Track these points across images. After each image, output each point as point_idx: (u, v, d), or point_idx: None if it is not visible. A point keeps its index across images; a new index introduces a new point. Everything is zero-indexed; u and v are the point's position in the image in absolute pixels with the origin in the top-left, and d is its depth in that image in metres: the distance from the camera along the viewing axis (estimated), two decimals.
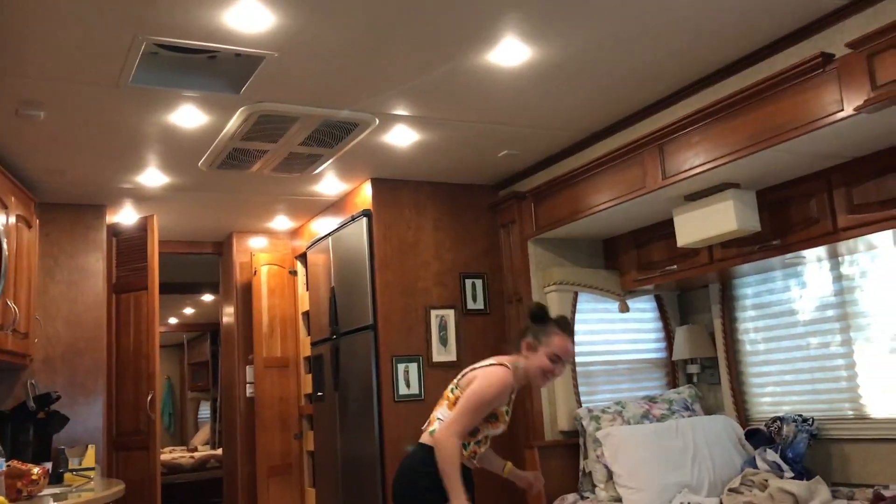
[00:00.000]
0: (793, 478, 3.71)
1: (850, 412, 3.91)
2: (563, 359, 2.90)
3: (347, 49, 3.14)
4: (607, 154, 4.07)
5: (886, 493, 3.29)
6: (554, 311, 4.67)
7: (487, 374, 2.84)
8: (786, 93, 3.11)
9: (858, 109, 2.83)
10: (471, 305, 4.94)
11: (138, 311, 5.20)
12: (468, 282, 4.97)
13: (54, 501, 3.27)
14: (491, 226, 5.10)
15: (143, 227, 5.30)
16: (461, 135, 4.21)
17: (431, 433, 2.86)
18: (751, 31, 3.18)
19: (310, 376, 5.71)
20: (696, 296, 4.85)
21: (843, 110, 2.90)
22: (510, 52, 3.22)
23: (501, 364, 2.88)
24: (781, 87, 3.13)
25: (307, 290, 5.82)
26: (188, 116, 3.74)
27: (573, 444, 4.46)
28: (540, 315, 2.95)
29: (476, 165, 4.76)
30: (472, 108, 3.84)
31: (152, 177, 4.65)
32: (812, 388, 4.11)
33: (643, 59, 3.39)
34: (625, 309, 4.81)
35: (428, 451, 2.82)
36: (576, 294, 4.75)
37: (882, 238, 3.51)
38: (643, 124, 3.98)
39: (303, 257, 5.94)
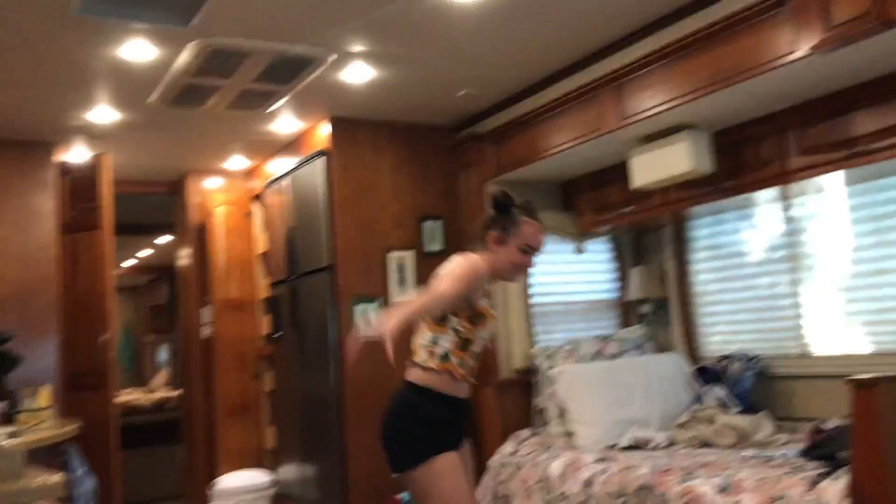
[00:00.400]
0: (739, 413, 3.84)
1: (795, 350, 4.03)
2: (535, 248, 2.61)
3: None
4: (566, 95, 4.06)
5: (825, 427, 3.41)
6: None
7: (454, 258, 2.53)
8: (742, 33, 3.12)
9: (813, 50, 2.85)
10: (429, 247, 4.94)
11: (92, 252, 5.11)
12: (427, 224, 4.96)
13: (8, 438, 3.25)
14: (450, 167, 5.08)
15: (94, 166, 5.18)
16: (419, 72, 4.16)
17: (423, 364, 2.52)
18: None
19: (268, 317, 5.70)
20: (650, 238, 4.92)
21: (797, 51, 2.92)
22: None
23: (466, 255, 2.56)
24: (738, 28, 3.13)
25: (264, 230, 5.77)
26: (138, 50, 3.63)
27: (528, 381, 4.54)
28: (504, 203, 2.61)
29: (435, 105, 4.72)
30: (431, 45, 3.79)
31: (103, 114, 4.53)
32: (760, 327, 4.22)
33: None
34: (580, 250, 4.87)
35: (416, 391, 2.53)
36: None
37: (831, 180, 3.57)
38: (602, 64, 3.96)
39: (260, 198, 5.87)
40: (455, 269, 2.47)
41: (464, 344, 2.53)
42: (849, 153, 3.19)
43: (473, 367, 2.58)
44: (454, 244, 4.99)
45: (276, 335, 5.45)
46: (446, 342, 2.52)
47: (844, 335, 3.81)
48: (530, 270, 2.68)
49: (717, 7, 3.32)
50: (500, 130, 4.61)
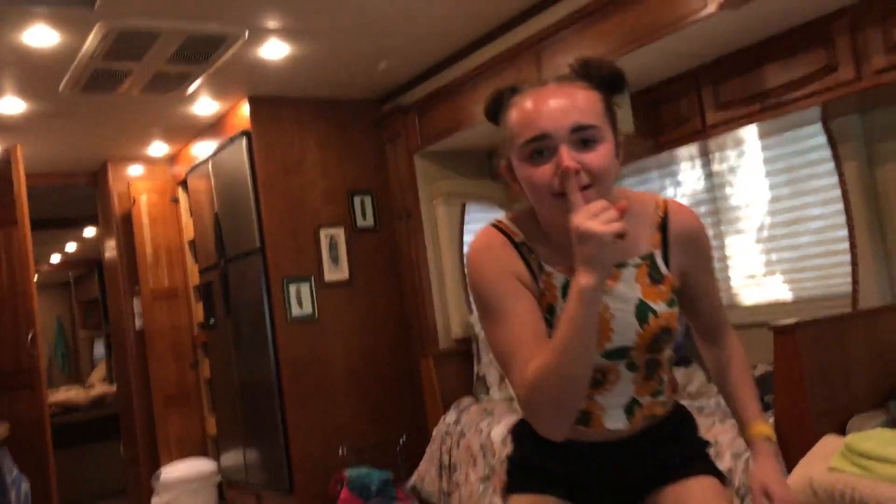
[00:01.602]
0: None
1: (724, 301, 4.12)
2: (543, 137, 1.31)
3: None
4: (486, 62, 4.05)
5: (754, 374, 3.53)
6: (443, 225, 4.77)
7: (466, 256, 1.49)
8: None
9: (722, 6, 2.89)
10: (360, 223, 4.91)
11: (9, 248, 4.93)
12: (357, 199, 4.92)
13: None
14: (377, 141, 5.04)
15: (6, 159, 4.98)
16: (337, 47, 4.09)
17: None
18: None
19: (201, 304, 5.60)
20: None
21: (707, 7, 2.95)
22: None
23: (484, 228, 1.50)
24: None
25: (192, 216, 5.64)
26: (41, 35, 3.48)
27: (467, 350, 4.57)
28: (493, 106, 1.44)
29: (357, 79, 4.66)
30: (345, 18, 3.72)
31: (10, 104, 4.34)
32: None
33: None
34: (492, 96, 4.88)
35: None
36: (464, 205, 4.79)
37: (748, 133, 3.65)
38: (520, 29, 3.96)
39: (184, 184, 5.74)
40: (471, 278, 1.44)
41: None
42: (762, 106, 3.26)
43: (590, 397, 1.47)
44: (386, 219, 4.97)
45: (210, 322, 5.36)
46: None
47: (768, 284, 3.92)
48: (573, 194, 1.28)
49: None
50: (424, 101, 4.58)
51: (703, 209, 4.19)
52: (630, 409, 1.46)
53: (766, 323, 2.97)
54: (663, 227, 1.47)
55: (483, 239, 1.45)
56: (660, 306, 1.41)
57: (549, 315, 1.40)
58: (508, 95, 1.40)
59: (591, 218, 1.22)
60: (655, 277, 1.43)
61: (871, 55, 2.88)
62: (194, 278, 5.77)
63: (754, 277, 3.98)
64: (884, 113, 3.33)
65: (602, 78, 1.38)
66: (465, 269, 1.49)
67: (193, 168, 5.39)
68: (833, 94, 3.03)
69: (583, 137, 1.31)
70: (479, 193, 4.81)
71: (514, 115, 1.36)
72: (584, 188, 1.29)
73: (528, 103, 1.34)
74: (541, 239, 1.43)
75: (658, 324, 1.41)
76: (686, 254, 1.47)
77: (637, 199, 1.48)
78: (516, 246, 1.43)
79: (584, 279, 1.24)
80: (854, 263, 3.42)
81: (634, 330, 1.40)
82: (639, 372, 1.45)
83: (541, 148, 1.31)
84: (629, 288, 1.42)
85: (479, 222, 4.83)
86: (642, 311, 1.41)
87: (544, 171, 1.31)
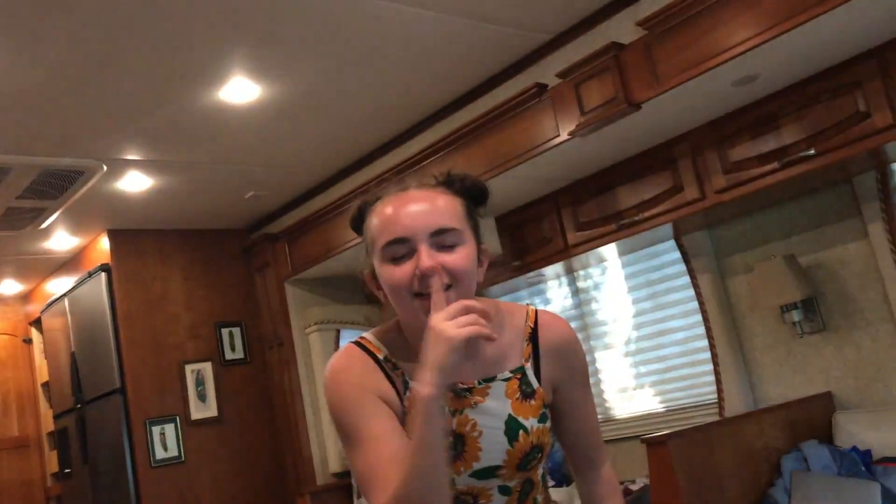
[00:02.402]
0: (553, 486, 3.89)
1: (599, 416, 4.17)
2: (403, 239, 1.25)
3: (61, 90, 2.91)
4: (353, 190, 4.09)
5: (633, 487, 3.54)
6: (317, 353, 4.65)
7: (325, 377, 1.37)
8: (509, 122, 3.30)
9: (572, 134, 3.06)
10: (229, 356, 4.72)
11: None
12: (225, 331, 4.75)
13: None
14: (245, 271, 4.93)
15: None
16: (200, 178, 4.04)
17: None
18: (474, 66, 3.34)
19: (55, 453, 5.16)
20: None
21: (559, 135, 3.12)
22: (240, 90, 3.14)
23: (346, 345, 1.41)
24: (505, 117, 3.31)
25: (45, 358, 5.27)
26: None
27: (347, 484, 4.38)
28: (357, 216, 1.38)
29: (223, 209, 4.59)
30: (207, 149, 3.70)
31: None
32: None
33: (376, 96, 3.45)
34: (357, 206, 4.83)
35: None
36: (338, 332, 4.71)
37: (609, 251, 3.81)
38: (386, 158, 4.04)
39: (38, 323, 5.39)
40: (329, 401, 1.34)
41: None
42: (617, 225, 3.42)
43: None
44: (257, 350, 4.81)
45: (65, 472, 4.93)
46: None
47: (639, 396, 4.01)
48: (435, 293, 1.23)
49: (485, 99, 3.50)
50: (293, 229, 4.55)
51: (572, 325, 4.28)
52: None
53: (640, 436, 3.01)
54: (534, 338, 1.41)
55: (342, 358, 1.35)
56: (530, 422, 1.34)
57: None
58: (371, 203, 1.36)
59: (447, 319, 1.18)
60: (526, 392, 1.36)
61: (712, 176, 3.10)
62: (48, 424, 5.34)
63: (625, 391, 4.07)
64: (728, 228, 3.57)
65: (465, 188, 1.36)
66: (324, 392, 1.36)
67: (48, 305, 5.09)
68: (681, 213, 3.22)
69: (443, 241, 1.27)
70: (354, 319, 4.75)
71: (374, 220, 1.32)
72: (445, 289, 1.24)
73: (389, 208, 1.30)
74: (406, 354, 1.34)
75: (529, 441, 1.33)
76: (558, 366, 1.41)
77: (507, 309, 1.43)
78: (379, 363, 1.34)
79: (424, 389, 1.16)
80: (717, 372, 3.56)
81: (504, 448, 1.32)
82: (512, 495, 1.36)
83: (401, 251, 1.27)
84: (498, 403, 1.34)
85: None
86: (512, 427, 1.33)
87: (404, 271, 1.26)
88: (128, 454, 4.31)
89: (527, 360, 1.39)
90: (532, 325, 1.42)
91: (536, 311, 1.44)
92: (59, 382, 4.99)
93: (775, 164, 2.90)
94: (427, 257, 1.25)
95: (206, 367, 4.60)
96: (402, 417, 1.30)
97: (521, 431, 1.33)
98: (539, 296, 4.45)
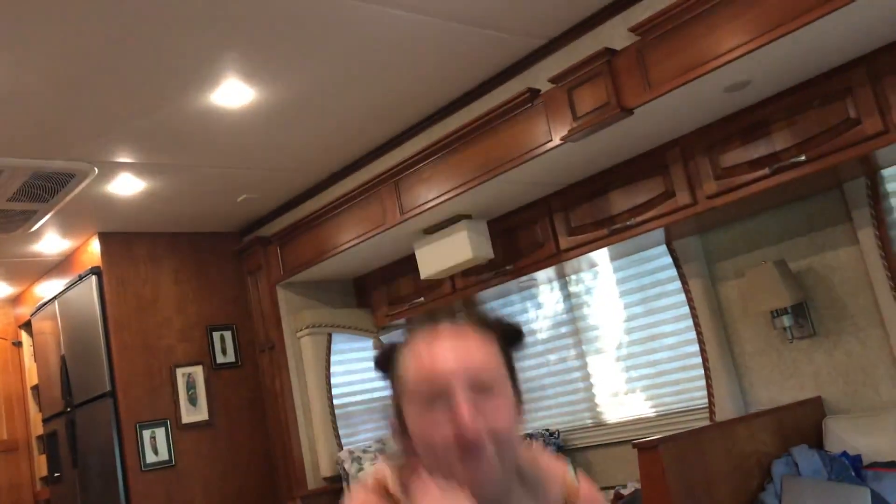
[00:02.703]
0: None
1: (590, 420, 4.19)
2: (435, 388, 1.11)
3: (53, 92, 2.90)
4: (347, 193, 4.09)
5: (624, 492, 3.54)
6: (308, 356, 4.64)
7: None
8: (502, 126, 3.31)
9: (564, 139, 3.07)
10: (220, 359, 4.70)
11: None
12: (216, 334, 4.73)
13: None
14: (237, 274, 4.92)
15: None
16: (192, 181, 4.03)
17: None
18: (467, 70, 3.34)
19: (45, 457, 5.13)
20: None
21: (551, 140, 3.12)
22: (233, 93, 3.13)
23: (366, 483, 1.22)
24: (498, 122, 3.31)
25: (35, 361, 5.25)
26: None
27: (338, 489, 4.37)
28: (383, 358, 1.24)
29: (215, 212, 4.58)
30: (200, 152, 3.69)
31: None
32: (555, 402, 4.36)
33: (369, 100, 3.46)
34: (379, 346, 4.83)
35: None
36: (329, 335, 4.71)
37: (600, 255, 3.82)
38: (378, 162, 4.04)
39: (28, 326, 5.36)
40: None
41: None
42: (609, 230, 3.43)
43: None
44: (248, 353, 4.79)
45: (54, 476, 4.91)
46: None
47: (631, 401, 4.01)
48: (472, 437, 1.09)
49: (478, 103, 3.51)
50: (285, 232, 4.54)
51: (563, 330, 4.29)
52: None
53: (631, 440, 3.01)
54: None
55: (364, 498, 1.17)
56: None
57: None
58: (399, 347, 1.20)
59: None
60: None
61: (703, 181, 3.12)
62: (37, 428, 5.31)
63: (617, 395, 4.07)
64: (720, 234, 3.59)
65: (500, 330, 1.22)
66: None
67: (38, 308, 5.07)
68: (673, 218, 3.23)
69: (481, 387, 1.12)
70: (346, 322, 4.75)
71: (409, 363, 1.16)
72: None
73: (420, 345, 1.16)
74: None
75: None
76: None
77: (546, 466, 1.27)
78: None
79: None
80: (708, 377, 3.57)
81: None
82: None
83: (434, 399, 1.11)
84: None
85: (345, 352, 4.75)
86: None
87: (435, 423, 1.10)
88: (118, 458, 4.29)
89: None
90: (568, 500, 1.24)
91: (578, 483, 1.27)
92: (49, 386, 4.96)
93: (766, 170, 2.92)
94: (467, 409, 1.08)
95: (198, 371, 4.58)
96: None
97: None
98: (531, 300, 4.45)
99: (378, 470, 1.21)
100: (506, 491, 1.13)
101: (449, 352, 1.14)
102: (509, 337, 1.22)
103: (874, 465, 2.89)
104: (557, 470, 1.27)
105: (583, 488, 1.26)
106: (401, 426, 1.18)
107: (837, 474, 2.87)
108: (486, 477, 1.08)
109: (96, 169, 3.62)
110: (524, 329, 1.24)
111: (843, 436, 3.05)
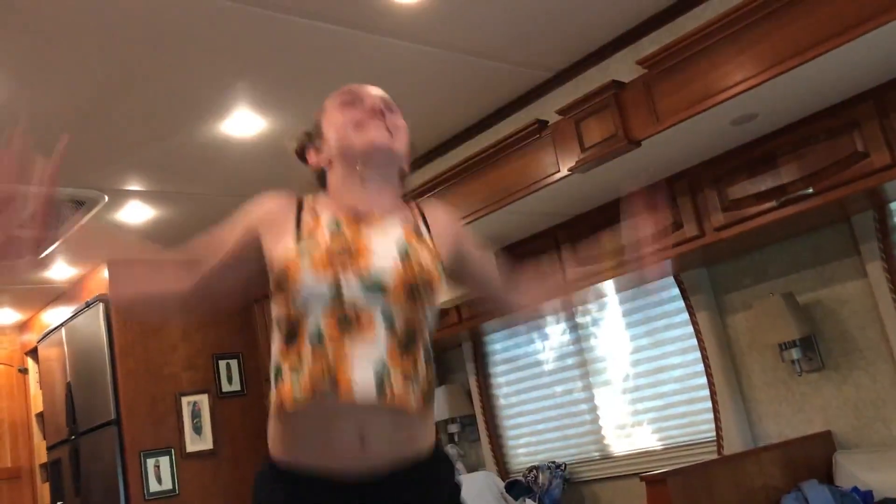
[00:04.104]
0: None
1: (597, 453, 4.15)
2: (354, 97, 1.54)
3: (66, 120, 2.93)
4: None
5: None
6: None
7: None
8: (510, 157, 3.32)
9: (572, 170, 3.08)
10: (226, 388, 4.69)
11: None
12: (222, 363, 4.73)
13: None
14: (244, 301, 4.92)
15: None
16: (201, 209, 4.05)
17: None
18: (476, 102, 3.38)
19: (48, 485, 5.10)
20: (451, 356, 4.97)
21: (559, 171, 3.14)
22: (244, 122, 3.17)
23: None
24: (506, 153, 3.33)
25: (40, 388, 5.24)
26: None
27: None
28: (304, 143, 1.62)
29: None
30: (209, 181, 3.72)
31: None
32: (562, 434, 4.32)
33: None
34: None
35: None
36: None
37: (607, 287, 3.81)
38: None
39: (34, 353, 5.36)
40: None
41: (288, 334, 1.37)
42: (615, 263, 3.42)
43: (334, 368, 1.29)
44: (254, 382, 4.78)
45: None
46: (273, 346, 1.42)
47: (638, 433, 3.98)
48: (373, 110, 1.50)
49: (487, 134, 3.54)
50: None
51: (570, 361, 4.27)
52: (380, 376, 1.29)
53: (638, 473, 2.98)
54: (422, 215, 1.56)
55: (271, 194, 1.54)
56: (423, 254, 1.41)
57: (308, 241, 1.39)
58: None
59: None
60: (419, 233, 1.48)
61: (711, 213, 3.12)
62: (41, 456, 5.29)
63: (623, 428, 4.04)
64: (728, 266, 3.58)
65: None
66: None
67: (45, 335, 5.07)
68: (681, 250, 3.23)
69: (390, 107, 1.55)
70: None
71: (331, 102, 1.58)
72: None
73: (345, 91, 1.58)
74: (329, 187, 1.56)
75: (418, 263, 1.39)
76: (448, 232, 1.56)
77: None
78: (298, 198, 1.51)
79: None
80: (715, 410, 3.54)
81: (393, 259, 1.38)
82: (394, 333, 1.33)
83: (350, 103, 1.53)
84: (394, 230, 1.45)
85: None
86: (403, 247, 1.41)
87: (348, 113, 1.53)
88: (121, 486, 4.27)
89: (418, 219, 1.53)
90: (420, 212, 1.57)
91: (419, 203, 1.61)
92: (54, 413, 4.95)
93: (774, 203, 2.91)
94: (375, 96, 1.53)
95: (203, 399, 4.57)
96: (303, 231, 1.42)
97: (410, 252, 1.41)
98: (537, 331, 4.43)
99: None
100: (387, 179, 1.53)
101: (370, 86, 1.57)
102: None
103: (886, 501, 2.85)
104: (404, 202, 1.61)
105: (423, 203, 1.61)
106: (316, 143, 1.58)
107: None
108: (378, 138, 1.49)
109: (106, 197, 3.65)
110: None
111: (854, 471, 3.02)
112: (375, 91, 1.56)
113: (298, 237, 1.40)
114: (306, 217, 1.45)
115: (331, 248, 1.36)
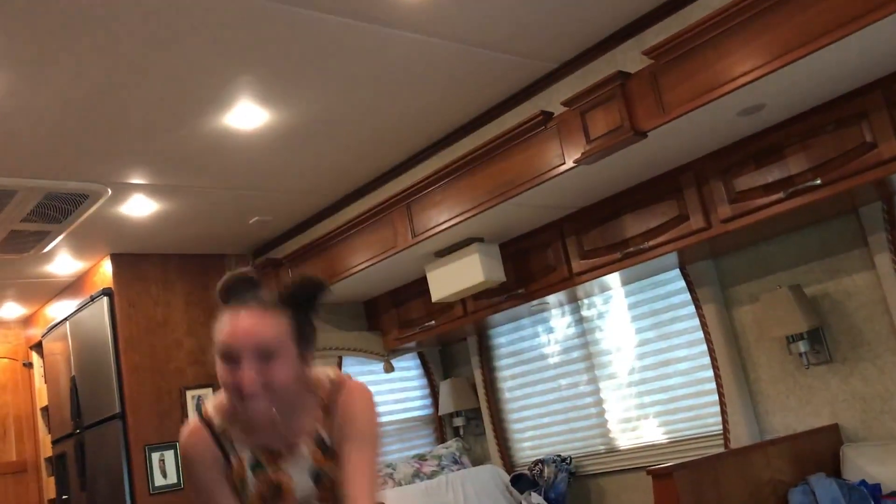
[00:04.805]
0: None
1: (602, 447, 4.14)
2: (233, 350, 1.52)
3: (68, 113, 2.91)
4: (359, 216, 4.09)
5: None
6: None
7: (180, 447, 1.84)
8: (514, 149, 3.30)
9: (577, 162, 3.06)
10: None
11: None
12: None
13: None
14: None
15: None
16: (205, 202, 4.04)
17: None
18: (480, 93, 3.35)
19: (53, 479, 5.11)
20: (456, 349, 4.96)
21: (564, 163, 3.11)
22: (247, 115, 3.15)
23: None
24: (510, 145, 3.31)
25: (45, 382, 5.24)
26: None
27: None
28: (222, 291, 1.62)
29: (227, 234, 4.59)
30: (213, 174, 3.70)
31: None
32: (567, 427, 4.31)
33: (382, 122, 3.46)
34: (389, 369, 4.81)
35: None
36: (340, 359, 4.69)
37: (612, 279, 3.80)
38: (390, 185, 4.05)
39: (39, 347, 5.37)
40: (189, 480, 1.70)
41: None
42: (622, 254, 3.41)
43: None
44: None
45: (63, 498, 4.88)
46: None
47: (644, 427, 3.97)
48: (247, 393, 1.51)
49: (491, 126, 3.51)
50: (297, 254, 4.54)
51: (575, 354, 4.26)
52: None
53: (644, 467, 2.97)
54: (332, 406, 1.66)
55: (190, 437, 1.65)
56: (333, 471, 1.63)
57: (241, 486, 1.63)
58: (224, 300, 1.59)
59: None
60: (325, 448, 1.65)
61: (717, 205, 3.10)
62: (47, 450, 5.29)
63: (629, 421, 4.02)
64: (734, 258, 3.56)
65: (295, 300, 1.64)
66: (181, 461, 1.65)
67: (50, 329, 5.07)
68: (687, 242, 3.21)
69: (264, 355, 1.53)
70: (355, 346, 4.72)
71: (219, 324, 1.57)
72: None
73: (227, 321, 1.55)
74: (235, 420, 1.63)
75: (329, 486, 1.64)
76: (341, 425, 1.65)
77: (313, 384, 1.68)
78: (216, 437, 1.63)
79: None
80: (722, 403, 3.53)
81: (311, 487, 1.64)
82: None
83: (227, 356, 1.54)
84: (301, 456, 1.65)
85: (356, 375, 4.70)
86: (315, 474, 1.64)
87: (226, 373, 1.54)
88: (126, 481, 4.27)
89: (321, 426, 1.65)
90: (326, 399, 1.67)
91: (338, 382, 1.69)
92: (59, 407, 4.95)
93: (781, 194, 2.89)
94: (248, 377, 1.51)
95: (207, 394, 4.57)
96: (232, 473, 1.63)
97: (322, 475, 1.64)
98: (542, 324, 4.42)
99: (205, 403, 1.71)
100: (284, 414, 1.58)
101: (243, 325, 1.53)
102: (303, 305, 1.65)
103: (894, 493, 2.83)
104: (324, 378, 1.70)
105: (346, 384, 1.70)
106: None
107: (856, 503, 2.82)
108: (257, 413, 1.53)
109: (109, 190, 3.64)
110: (320, 288, 1.69)
111: (862, 464, 3.00)
112: (249, 341, 1.53)
113: (232, 478, 1.64)
114: (232, 460, 1.64)
115: (261, 490, 1.64)
